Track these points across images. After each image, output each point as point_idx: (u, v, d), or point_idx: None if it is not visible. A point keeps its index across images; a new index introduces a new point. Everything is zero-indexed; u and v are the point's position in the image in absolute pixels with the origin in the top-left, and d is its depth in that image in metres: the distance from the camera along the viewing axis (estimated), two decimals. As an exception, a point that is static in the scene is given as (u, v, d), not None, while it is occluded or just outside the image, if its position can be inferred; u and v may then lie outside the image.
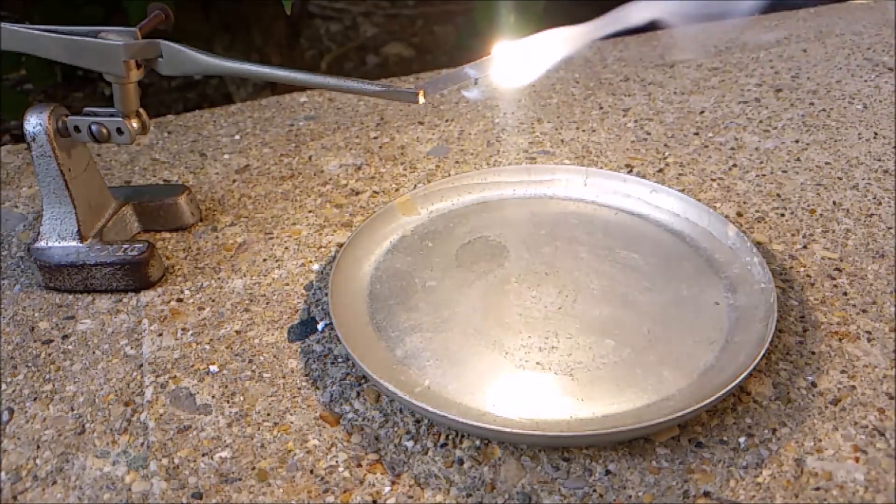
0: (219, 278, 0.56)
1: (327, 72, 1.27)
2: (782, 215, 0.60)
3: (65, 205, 0.54)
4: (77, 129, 0.52)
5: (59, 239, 0.54)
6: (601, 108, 0.76)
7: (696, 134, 0.71)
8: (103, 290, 0.54)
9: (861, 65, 0.82)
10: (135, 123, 0.52)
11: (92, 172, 0.56)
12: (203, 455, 0.43)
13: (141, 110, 0.53)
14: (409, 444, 0.43)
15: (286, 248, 0.58)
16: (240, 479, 0.42)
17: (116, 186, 0.62)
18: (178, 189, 0.61)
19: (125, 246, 0.54)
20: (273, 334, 0.51)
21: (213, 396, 0.47)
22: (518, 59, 0.48)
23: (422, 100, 0.46)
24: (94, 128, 0.52)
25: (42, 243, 0.54)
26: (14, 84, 1.14)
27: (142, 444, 0.44)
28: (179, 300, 0.54)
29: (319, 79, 0.49)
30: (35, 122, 0.52)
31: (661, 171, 0.66)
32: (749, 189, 0.63)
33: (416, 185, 0.64)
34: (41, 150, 0.52)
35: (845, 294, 0.52)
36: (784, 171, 0.65)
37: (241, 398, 0.46)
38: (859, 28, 0.90)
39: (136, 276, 0.54)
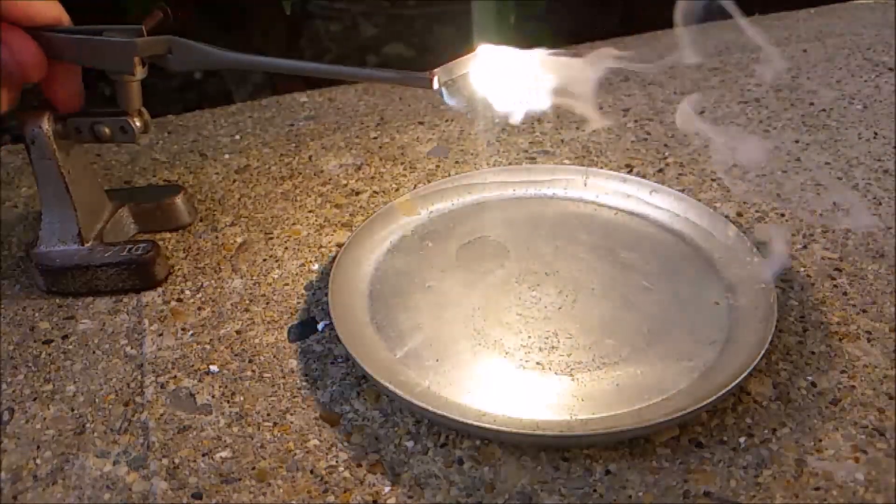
0: (219, 278, 0.56)
1: (327, 72, 1.26)
2: (782, 215, 0.60)
3: (65, 207, 0.53)
4: (78, 129, 0.52)
5: (60, 242, 0.54)
6: (601, 108, 0.76)
7: (696, 134, 0.71)
8: (108, 292, 0.54)
9: (861, 65, 0.82)
10: (138, 122, 0.52)
11: (90, 175, 0.56)
12: (203, 455, 0.43)
13: (143, 109, 0.53)
14: (409, 444, 0.43)
15: (286, 248, 0.58)
16: (240, 479, 0.42)
17: (111, 189, 0.61)
18: (174, 189, 0.60)
19: (129, 246, 0.54)
20: (273, 334, 0.51)
21: (213, 396, 0.47)
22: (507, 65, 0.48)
23: (436, 84, 0.45)
24: (96, 128, 0.52)
25: (42, 247, 0.54)
26: (14, 84, 1.13)
27: (142, 444, 0.44)
28: (179, 300, 0.54)
29: (331, 68, 0.49)
30: (35, 124, 0.51)
31: (661, 171, 0.66)
32: (749, 189, 0.63)
33: (416, 185, 0.64)
34: (41, 152, 0.52)
35: (845, 294, 0.52)
36: (784, 171, 0.65)
37: (241, 398, 0.46)
38: (859, 28, 0.90)
39: (142, 275, 0.54)
